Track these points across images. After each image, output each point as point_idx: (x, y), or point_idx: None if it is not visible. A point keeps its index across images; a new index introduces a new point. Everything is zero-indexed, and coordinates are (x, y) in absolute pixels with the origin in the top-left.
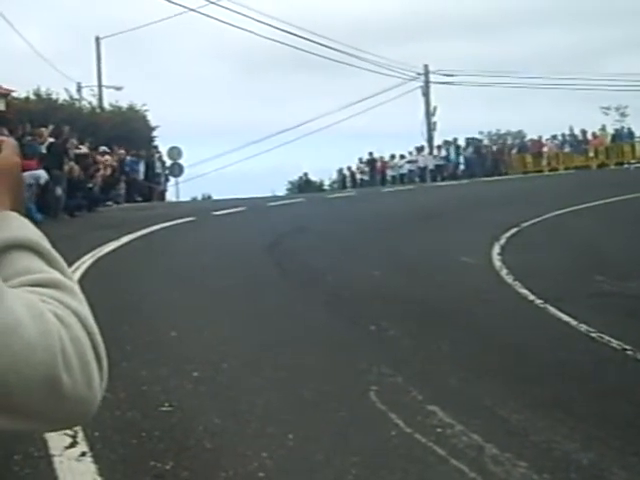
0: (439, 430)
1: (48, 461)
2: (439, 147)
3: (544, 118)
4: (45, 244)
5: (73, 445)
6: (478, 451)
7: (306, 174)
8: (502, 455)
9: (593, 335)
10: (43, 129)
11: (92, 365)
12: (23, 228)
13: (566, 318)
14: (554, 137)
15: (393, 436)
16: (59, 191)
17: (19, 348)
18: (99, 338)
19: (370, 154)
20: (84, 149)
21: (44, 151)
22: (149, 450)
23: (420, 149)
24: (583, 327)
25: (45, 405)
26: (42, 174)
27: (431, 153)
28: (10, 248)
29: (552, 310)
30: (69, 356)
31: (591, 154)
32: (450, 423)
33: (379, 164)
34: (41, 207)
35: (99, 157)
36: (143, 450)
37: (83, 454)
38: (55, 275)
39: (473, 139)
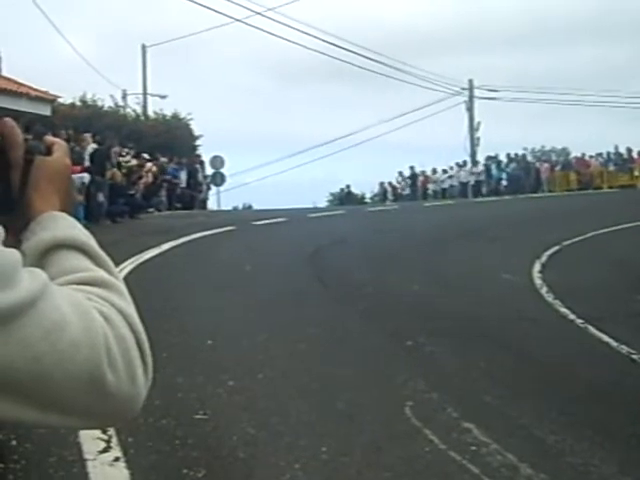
0: (474, 448)
1: (82, 465)
2: (476, 163)
3: (589, 135)
4: (92, 243)
5: (107, 450)
6: (513, 471)
7: (348, 186)
8: (537, 476)
9: (634, 357)
10: (86, 135)
11: (136, 363)
12: (71, 228)
13: (606, 339)
14: (599, 155)
15: (427, 452)
16: (101, 197)
17: (65, 345)
18: (144, 337)
19: (411, 168)
20: (128, 157)
21: (87, 157)
22: (182, 458)
23: (462, 164)
24: (624, 348)
25: (90, 402)
26: (85, 175)
27: (474, 166)
28: (58, 247)
29: (592, 330)
30: (114, 354)
31: (636, 173)
32: (485, 441)
33: (421, 178)
34: (84, 212)
35: (142, 164)
36: (176, 457)
37: (116, 459)
38: (101, 274)
39: (516, 155)
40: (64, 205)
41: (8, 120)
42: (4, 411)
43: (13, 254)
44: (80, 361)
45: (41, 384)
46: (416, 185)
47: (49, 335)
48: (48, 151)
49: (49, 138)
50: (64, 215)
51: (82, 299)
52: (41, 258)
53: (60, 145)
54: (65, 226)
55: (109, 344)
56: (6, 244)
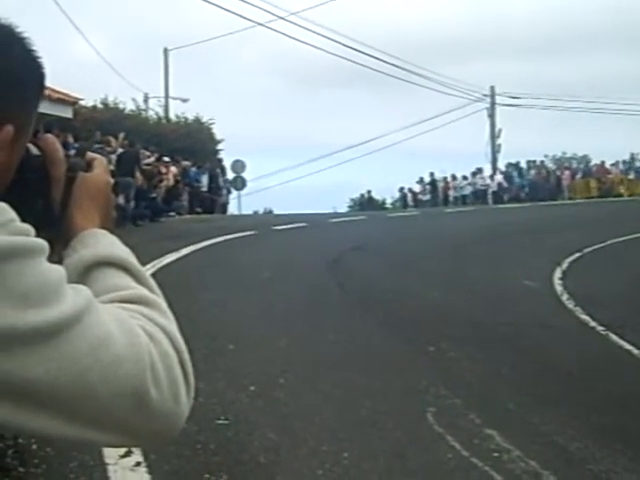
0: (496, 455)
1: (103, 469)
2: (492, 175)
3: (610, 143)
4: (133, 261)
5: (128, 455)
6: (535, 478)
7: (369, 192)
8: None
9: None
10: (110, 137)
11: (180, 381)
12: (112, 245)
13: (628, 346)
14: (618, 162)
15: (449, 459)
16: (121, 200)
17: (109, 361)
18: (187, 356)
19: (431, 175)
20: (151, 159)
21: (114, 159)
22: (203, 463)
23: (476, 172)
24: None
25: (132, 419)
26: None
27: (494, 175)
28: (99, 265)
29: (614, 338)
30: (157, 371)
31: None
32: (507, 448)
33: (442, 184)
34: None
35: (163, 168)
36: (197, 462)
37: (137, 464)
38: (143, 292)
39: (534, 162)
40: (105, 222)
41: (49, 136)
42: (46, 427)
43: (58, 270)
44: (124, 377)
45: (85, 400)
46: (436, 191)
47: (94, 350)
48: (88, 167)
49: (90, 154)
50: (105, 232)
51: (126, 316)
52: (83, 276)
53: (100, 161)
54: (106, 244)
55: (153, 361)
56: (48, 261)
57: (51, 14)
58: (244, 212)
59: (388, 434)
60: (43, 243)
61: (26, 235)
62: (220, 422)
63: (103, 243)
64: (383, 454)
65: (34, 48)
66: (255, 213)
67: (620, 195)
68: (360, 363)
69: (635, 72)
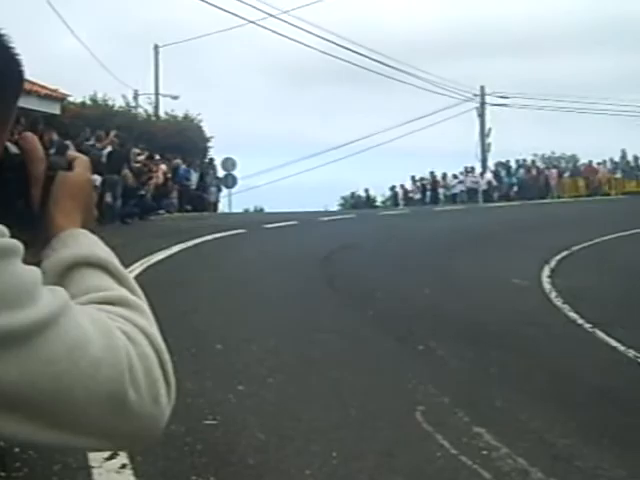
0: (484, 452)
1: (87, 472)
2: (481, 173)
3: (599, 142)
4: (114, 261)
5: (113, 457)
6: (523, 475)
7: (366, 190)
8: None
9: None
10: (102, 133)
11: (160, 383)
12: (93, 245)
13: (614, 343)
14: (605, 162)
15: (438, 457)
16: (109, 197)
17: (86, 363)
18: (167, 357)
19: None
20: (141, 157)
21: (104, 156)
22: (191, 464)
23: (470, 170)
24: (631, 352)
25: (111, 422)
26: (96, 177)
27: (483, 174)
28: (79, 265)
29: (601, 335)
30: (136, 373)
31: None
32: (496, 446)
33: (432, 183)
34: None
35: (153, 166)
36: (184, 464)
37: (123, 466)
38: (123, 293)
39: (524, 161)
40: (85, 222)
41: (29, 134)
42: (22, 432)
43: (33, 272)
44: (102, 379)
45: (62, 403)
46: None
47: (71, 352)
48: (69, 166)
49: (71, 153)
50: (85, 232)
51: (104, 318)
52: (62, 276)
53: (81, 160)
54: (87, 244)
55: (132, 363)
56: (26, 262)
57: (40, 10)
58: (235, 210)
59: (377, 433)
60: (17, 244)
61: (0, 236)
62: (208, 422)
63: (84, 243)
64: (372, 453)
65: (12, 45)
66: (246, 211)
67: (608, 194)
68: (349, 362)
69: (623, 72)
